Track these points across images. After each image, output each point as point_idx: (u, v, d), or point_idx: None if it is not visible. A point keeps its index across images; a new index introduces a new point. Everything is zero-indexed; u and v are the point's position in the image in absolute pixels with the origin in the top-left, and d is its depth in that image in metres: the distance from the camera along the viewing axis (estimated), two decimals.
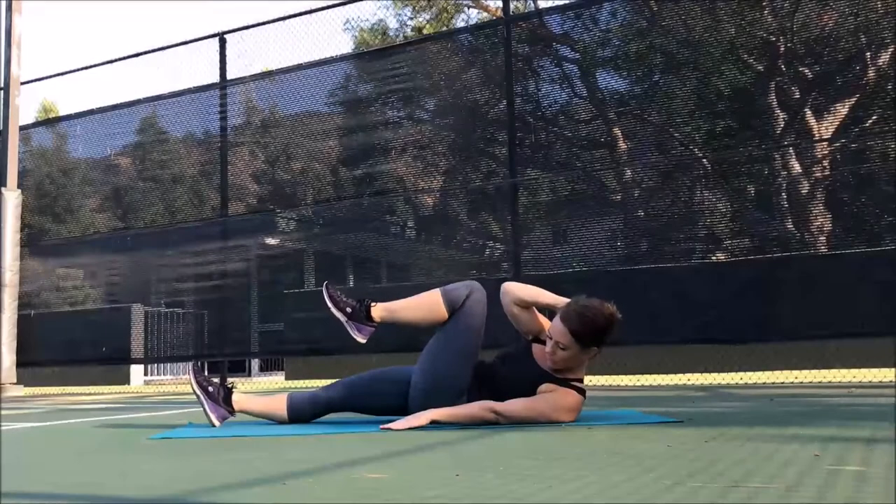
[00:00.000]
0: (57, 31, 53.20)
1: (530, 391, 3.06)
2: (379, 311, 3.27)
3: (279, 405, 3.33)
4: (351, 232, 10.95)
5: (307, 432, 3.03)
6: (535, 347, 3.19)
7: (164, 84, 9.30)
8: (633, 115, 8.12)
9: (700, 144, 7.62)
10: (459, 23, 16.88)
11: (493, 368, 3.23)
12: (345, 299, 3.30)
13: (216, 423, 3.23)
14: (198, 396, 3.28)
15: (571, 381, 3.08)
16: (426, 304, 3.27)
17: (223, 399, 3.28)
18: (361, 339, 3.25)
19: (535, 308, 3.22)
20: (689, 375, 6.98)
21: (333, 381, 3.43)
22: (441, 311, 3.22)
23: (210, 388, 3.29)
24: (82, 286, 10.78)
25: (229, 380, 9.18)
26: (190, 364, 3.32)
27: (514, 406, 3.01)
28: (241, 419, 3.39)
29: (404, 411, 3.19)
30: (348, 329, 3.27)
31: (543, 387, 3.06)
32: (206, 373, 3.47)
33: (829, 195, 7.30)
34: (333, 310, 3.28)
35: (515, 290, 3.23)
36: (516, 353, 3.25)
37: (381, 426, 3.02)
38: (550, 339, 3.03)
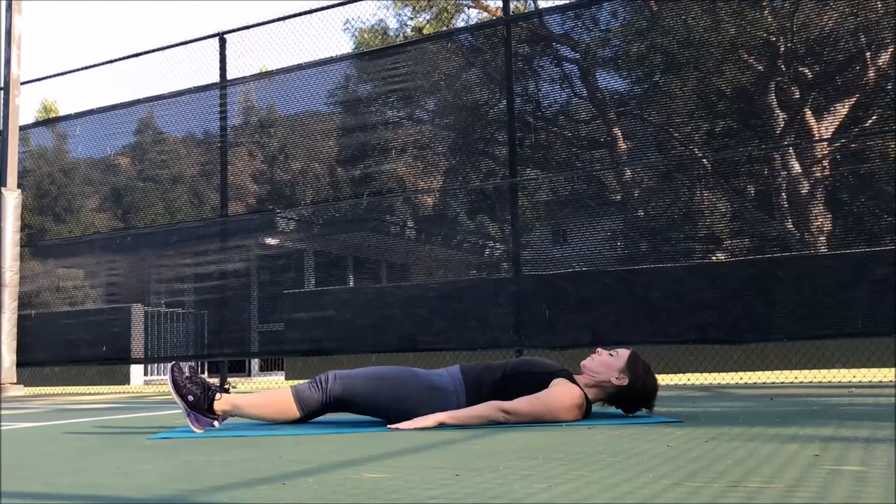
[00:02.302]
0: (57, 31, 53.20)
1: (544, 385, 3.08)
2: (223, 404, 3.12)
3: (285, 405, 3.20)
4: (351, 232, 10.96)
5: (307, 432, 3.03)
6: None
7: (164, 84, 9.31)
8: (633, 115, 8.12)
9: (700, 144, 7.62)
10: (459, 23, 16.89)
11: (505, 366, 3.23)
12: (189, 385, 3.09)
13: (218, 423, 3.18)
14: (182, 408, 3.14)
15: (583, 389, 3.12)
16: (274, 405, 3.21)
17: (208, 408, 3.12)
18: (198, 430, 3.08)
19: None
20: (689, 375, 6.98)
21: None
22: (292, 411, 3.18)
23: (190, 398, 3.10)
24: (82, 286, 10.78)
25: (229, 380, 9.19)
26: (168, 377, 3.18)
27: (522, 403, 3.03)
28: (241, 419, 3.39)
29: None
30: (186, 418, 3.11)
31: (555, 381, 3.09)
32: (205, 373, 3.41)
33: (829, 195, 7.30)
34: (175, 395, 3.10)
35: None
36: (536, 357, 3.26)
37: (389, 426, 3.02)
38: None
